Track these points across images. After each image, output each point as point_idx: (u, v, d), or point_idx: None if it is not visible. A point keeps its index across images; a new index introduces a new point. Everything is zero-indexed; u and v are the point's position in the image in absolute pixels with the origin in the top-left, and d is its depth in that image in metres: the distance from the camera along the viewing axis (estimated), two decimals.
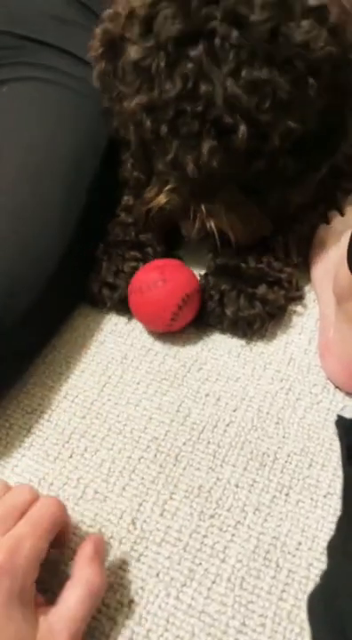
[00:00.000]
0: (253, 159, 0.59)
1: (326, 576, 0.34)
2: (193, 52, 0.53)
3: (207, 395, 0.65)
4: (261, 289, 0.68)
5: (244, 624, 0.49)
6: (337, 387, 0.64)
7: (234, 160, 0.58)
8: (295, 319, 0.71)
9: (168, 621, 0.49)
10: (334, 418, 0.62)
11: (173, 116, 0.56)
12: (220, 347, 0.69)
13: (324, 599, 0.34)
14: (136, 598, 0.50)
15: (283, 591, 0.50)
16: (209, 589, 0.51)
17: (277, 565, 0.52)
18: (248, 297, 0.68)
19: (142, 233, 0.74)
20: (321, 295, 0.69)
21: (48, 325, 0.70)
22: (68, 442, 0.61)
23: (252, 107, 0.54)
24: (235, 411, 0.63)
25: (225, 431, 0.61)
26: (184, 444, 0.60)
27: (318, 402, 0.63)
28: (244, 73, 0.53)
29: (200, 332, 0.70)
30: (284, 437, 0.60)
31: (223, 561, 0.52)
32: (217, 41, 0.52)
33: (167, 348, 0.69)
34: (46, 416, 0.63)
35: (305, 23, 0.53)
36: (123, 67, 0.61)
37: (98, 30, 0.65)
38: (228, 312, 0.68)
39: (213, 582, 0.51)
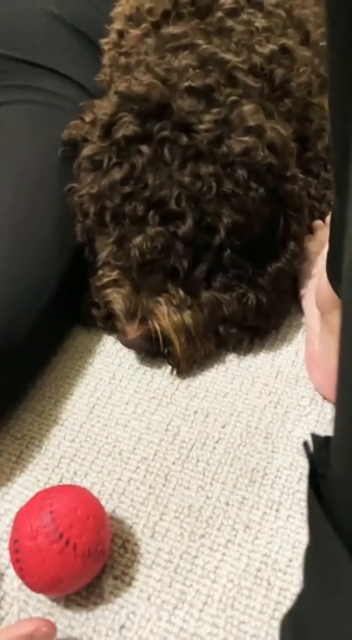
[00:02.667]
0: (200, 253, 0.61)
1: (298, 601, 0.34)
2: (144, 149, 0.59)
3: (196, 412, 0.64)
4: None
5: None
6: (325, 398, 0.64)
7: (179, 250, 0.60)
8: (282, 331, 0.71)
9: None
10: (324, 429, 0.61)
11: (119, 203, 0.60)
12: (207, 362, 0.69)
13: (294, 624, 0.34)
14: (127, 623, 0.50)
15: (275, 610, 0.50)
16: (200, 611, 0.51)
17: (269, 583, 0.52)
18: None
19: None
20: (306, 306, 0.69)
21: (45, 350, 0.70)
22: (57, 466, 0.61)
23: (198, 195, 0.58)
24: (223, 427, 0.63)
25: (214, 448, 0.61)
26: (173, 463, 0.60)
27: (307, 414, 0.63)
28: (190, 166, 0.59)
29: None
30: (272, 452, 0.60)
31: (214, 581, 0.52)
32: (167, 145, 0.59)
33: (156, 367, 0.69)
34: (36, 441, 0.63)
35: (246, 138, 0.60)
36: (79, 164, 0.67)
37: (64, 133, 0.71)
38: (220, 329, 0.67)
39: (205, 604, 0.51)
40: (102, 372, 0.69)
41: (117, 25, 0.75)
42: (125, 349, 0.71)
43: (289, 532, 0.54)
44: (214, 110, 0.60)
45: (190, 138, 0.59)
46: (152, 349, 0.66)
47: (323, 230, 0.73)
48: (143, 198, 0.59)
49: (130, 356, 0.70)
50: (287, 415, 0.63)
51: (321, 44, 0.76)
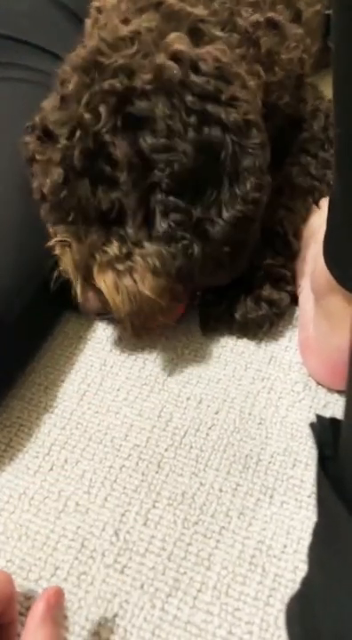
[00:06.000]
0: (111, 192, 0.54)
1: (304, 584, 0.33)
2: None
3: (188, 398, 0.64)
4: (267, 289, 0.66)
5: (230, 632, 0.48)
6: (319, 383, 0.63)
7: (84, 187, 0.54)
8: None
9: (154, 634, 0.48)
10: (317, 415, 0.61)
11: None
12: (200, 348, 0.68)
13: (301, 607, 0.33)
14: (120, 612, 0.49)
15: (269, 596, 0.50)
16: (194, 599, 0.50)
17: (263, 570, 0.51)
18: (254, 299, 0.66)
19: None
20: (300, 291, 0.68)
21: (36, 336, 0.69)
22: (48, 454, 0.60)
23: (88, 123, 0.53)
24: (216, 413, 0.62)
25: (207, 435, 0.60)
26: (166, 450, 0.60)
27: (300, 400, 0.62)
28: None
29: (180, 335, 0.69)
30: (266, 438, 0.60)
31: (208, 568, 0.52)
32: None
33: (147, 353, 0.68)
34: (25, 429, 0.62)
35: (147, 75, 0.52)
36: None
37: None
38: (237, 316, 0.66)
39: (199, 591, 0.50)
40: (93, 359, 0.68)
41: (96, 2, 0.72)
42: (116, 335, 0.70)
43: (283, 517, 0.54)
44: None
45: None
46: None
47: (315, 214, 0.72)
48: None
49: (121, 343, 0.69)
50: (281, 401, 0.62)
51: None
